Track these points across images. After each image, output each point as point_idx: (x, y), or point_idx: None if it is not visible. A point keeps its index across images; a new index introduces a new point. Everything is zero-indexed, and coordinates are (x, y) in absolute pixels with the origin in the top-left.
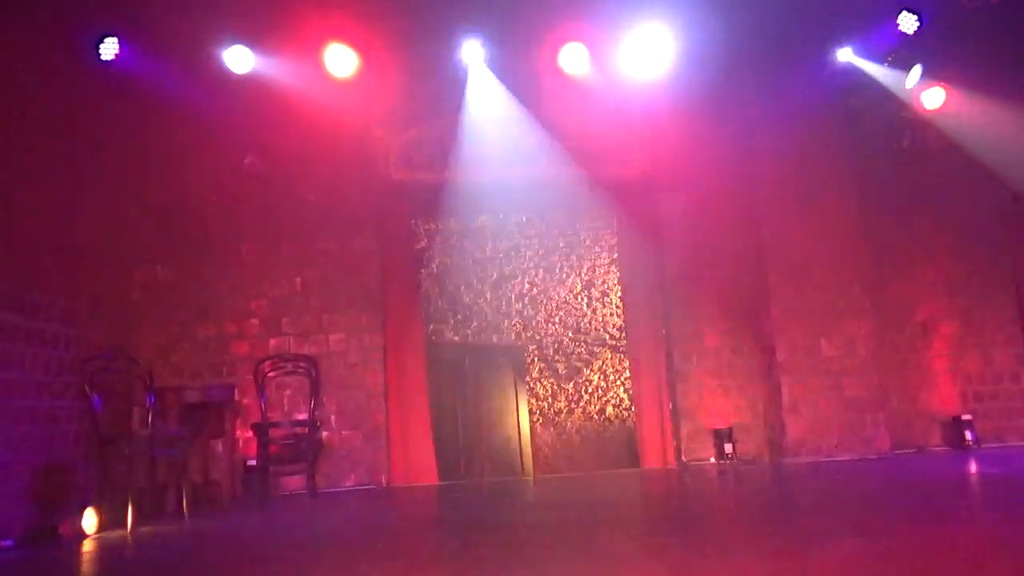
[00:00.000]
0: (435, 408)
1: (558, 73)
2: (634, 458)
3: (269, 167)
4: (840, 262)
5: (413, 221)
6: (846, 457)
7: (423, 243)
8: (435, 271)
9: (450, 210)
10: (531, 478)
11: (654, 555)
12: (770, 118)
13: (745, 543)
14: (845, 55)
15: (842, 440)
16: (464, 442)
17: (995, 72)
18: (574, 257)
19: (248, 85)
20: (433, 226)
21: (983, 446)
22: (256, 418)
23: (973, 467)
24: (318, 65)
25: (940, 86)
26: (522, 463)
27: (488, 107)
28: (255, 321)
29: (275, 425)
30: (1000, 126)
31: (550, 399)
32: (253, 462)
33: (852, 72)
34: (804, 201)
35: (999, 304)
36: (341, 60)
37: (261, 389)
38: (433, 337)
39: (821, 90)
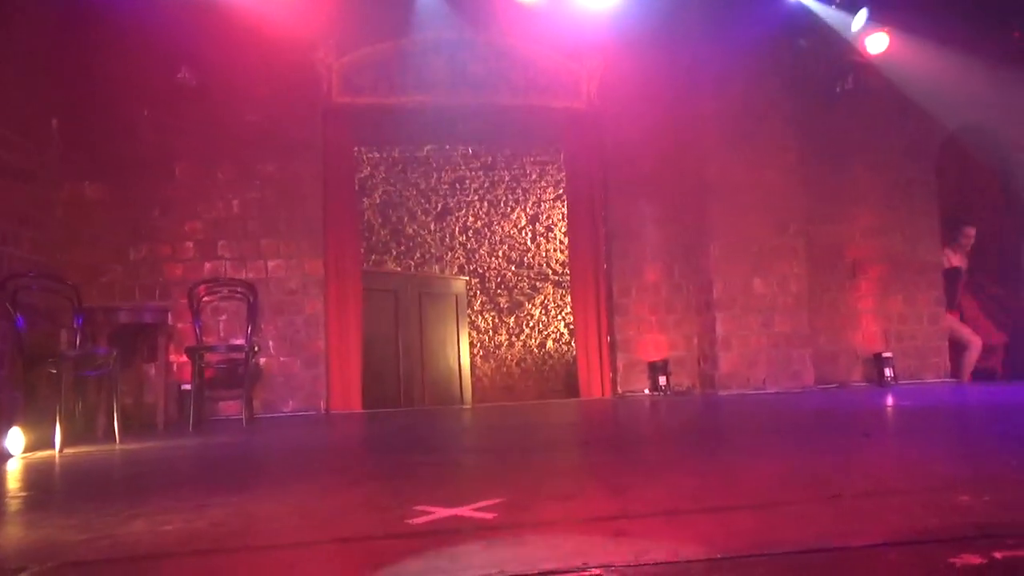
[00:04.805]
0: (376, 338)
1: None
2: (572, 390)
3: (204, 82)
4: (777, 202)
5: (356, 148)
6: (773, 390)
7: (366, 171)
8: (378, 200)
9: (394, 138)
10: (470, 406)
11: (588, 472)
12: (717, 54)
13: (676, 463)
14: None
15: (770, 374)
16: (405, 371)
17: (938, 20)
18: (520, 191)
19: None
20: (377, 154)
21: (900, 382)
22: (191, 343)
23: (889, 400)
24: None
25: (884, 31)
26: (461, 393)
27: (436, 31)
28: (189, 244)
29: (210, 349)
30: (940, 73)
31: (491, 332)
32: (188, 387)
33: (800, 12)
34: (746, 140)
35: (923, 248)
36: None
37: (196, 313)
38: (375, 267)
39: (768, 29)
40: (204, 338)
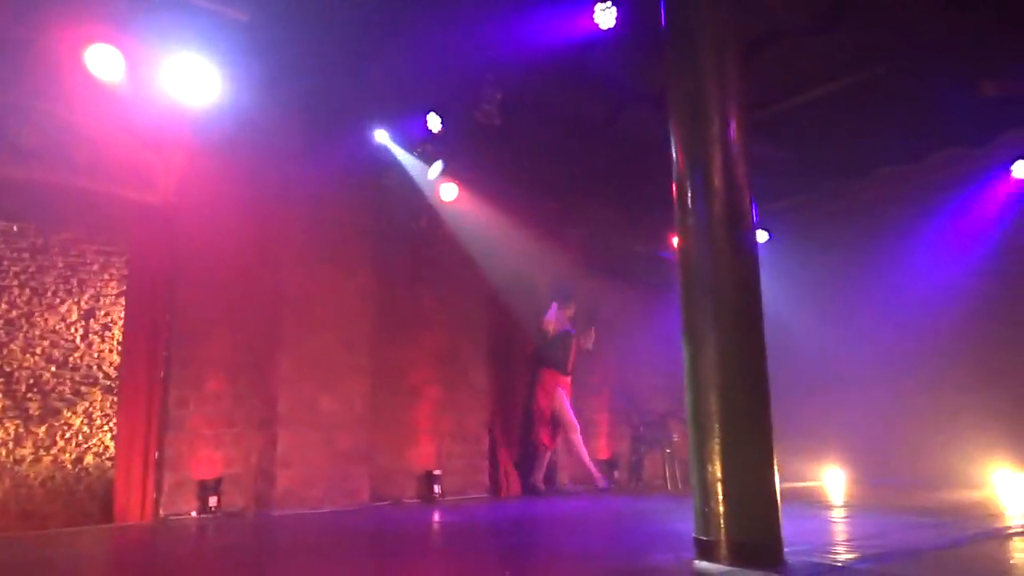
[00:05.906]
0: None
1: (83, 70)
2: (109, 513)
3: None
4: (350, 322)
5: None
6: (329, 509)
7: None
8: None
9: None
10: None
11: None
12: (308, 176)
13: None
14: (381, 137)
15: (327, 492)
16: None
17: (494, 180)
18: (75, 281)
19: None
20: None
21: (447, 498)
22: None
23: (436, 517)
24: None
25: (454, 182)
26: None
27: None
28: None
29: None
30: (490, 227)
31: (11, 443)
32: None
33: (385, 153)
34: (325, 262)
35: (474, 375)
36: None
37: None
38: None
39: (355, 162)
40: None
